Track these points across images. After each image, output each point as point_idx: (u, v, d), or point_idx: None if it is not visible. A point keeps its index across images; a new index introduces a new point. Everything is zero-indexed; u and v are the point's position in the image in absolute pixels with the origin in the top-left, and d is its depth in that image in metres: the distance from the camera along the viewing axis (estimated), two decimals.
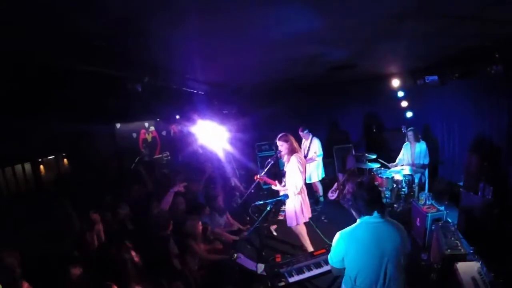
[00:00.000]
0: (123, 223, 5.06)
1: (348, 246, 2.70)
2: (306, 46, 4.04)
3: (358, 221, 2.77)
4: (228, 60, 4.45)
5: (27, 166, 6.48)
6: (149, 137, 9.47)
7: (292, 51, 4.23)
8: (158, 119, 9.84)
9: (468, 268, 3.76)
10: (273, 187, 5.61)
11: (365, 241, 2.65)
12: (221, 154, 8.40)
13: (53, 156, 7.18)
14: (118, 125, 8.16)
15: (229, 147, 8.48)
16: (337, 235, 2.79)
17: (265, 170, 5.54)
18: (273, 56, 4.52)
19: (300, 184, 5.25)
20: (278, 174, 5.93)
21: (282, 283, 3.70)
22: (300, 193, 5.37)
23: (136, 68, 3.83)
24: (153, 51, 3.46)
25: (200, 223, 5.03)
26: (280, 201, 4.53)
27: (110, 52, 3.17)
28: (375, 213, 2.69)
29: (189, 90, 5.90)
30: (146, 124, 9.45)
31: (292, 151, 5.29)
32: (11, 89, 3.58)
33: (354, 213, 2.82)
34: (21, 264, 3.42)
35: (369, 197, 2.68)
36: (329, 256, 2.89)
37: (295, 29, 3.27)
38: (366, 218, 2.71)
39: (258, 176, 5.69)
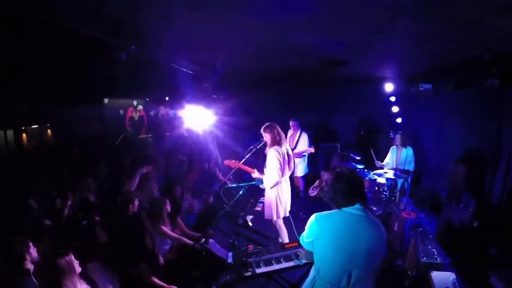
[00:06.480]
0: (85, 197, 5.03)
1: (320, 230, 2.50)
2: (298, 32, 3.90)
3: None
4: (218, 40, 4.31)
5: (10, 133, 6.37)
6: (136, 116, 9.35)
7: (284, 36, 4.10)
8: (147, 99, 9.72)
9: (443, 278, 3.73)
10: (252, 175, 5.36)
11: (339, 231, 2.44)
12: (206, 139, 8.30)
13: (37, 126, 7.08)
14: (106, 100, 8.05)
15: (215, 132, 8.39)
16: (313, 216, 2.59)
17: (246, 157, 5.36)
18: (265, 40, 4.38)
19: (275, 178, 5.00)
20: (261, 165, 5.77)
21: (249, 273, 3.59)
22: (278, 186, 5.19)
23: (123, 34, 3.68)
24: (141, 18, 3.30)
25: (168, 203, 4.93)
26: (254, 186, 4.38)
27: (96, 11, 3.02)
28: (357, 205, 2.50)
29: (177, 67, 5.74)
30: (135, 103, 9.34)
31: (274, 143, 5.08)
32: None
33: (333, 206, 2.60)
34: None
35: (349, 189, 2.50)
36: (301, 235, 2.72)
37: (290, 11, 3.15)
38: (348, 208, 2.51)
39: (231, 161, 5.56)
